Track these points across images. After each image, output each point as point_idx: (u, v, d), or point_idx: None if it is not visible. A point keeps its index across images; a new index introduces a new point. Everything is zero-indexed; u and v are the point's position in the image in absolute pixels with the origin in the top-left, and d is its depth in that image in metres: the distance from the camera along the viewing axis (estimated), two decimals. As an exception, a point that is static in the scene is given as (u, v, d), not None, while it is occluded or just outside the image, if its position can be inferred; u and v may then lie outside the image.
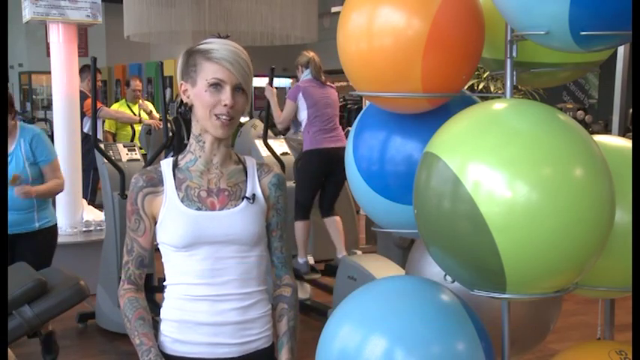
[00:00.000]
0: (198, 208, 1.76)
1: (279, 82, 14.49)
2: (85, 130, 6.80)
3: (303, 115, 5.29)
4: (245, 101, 1.74)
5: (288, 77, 14.06)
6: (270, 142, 5.84)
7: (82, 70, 6.76)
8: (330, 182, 5.40)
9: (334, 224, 5.37)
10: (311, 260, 5.52)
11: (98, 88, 7.01)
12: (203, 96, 1.72)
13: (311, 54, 5.36)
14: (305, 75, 5.36)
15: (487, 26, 1.91)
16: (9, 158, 3.66)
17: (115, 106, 8.14)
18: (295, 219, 5.30)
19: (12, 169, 3.65)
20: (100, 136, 7.16)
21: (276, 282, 1.91)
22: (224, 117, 1.71)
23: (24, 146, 3.71)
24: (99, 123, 7.22)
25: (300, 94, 5.27)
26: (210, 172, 1.80)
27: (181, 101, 1.78)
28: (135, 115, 7.62)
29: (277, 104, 5.51)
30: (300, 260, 5.35)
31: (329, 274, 5.28)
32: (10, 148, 3.69)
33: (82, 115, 6.52)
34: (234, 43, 1.76)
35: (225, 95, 1.70)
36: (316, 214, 5.91)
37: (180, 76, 1.77)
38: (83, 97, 6.56)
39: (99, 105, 7.19)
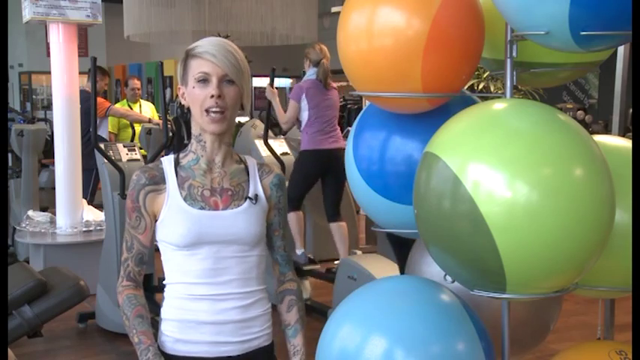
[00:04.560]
0: (202, 208, 1.75)
1: (279, 82, 14.47)
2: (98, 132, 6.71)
3: (304, 116, 5.23)
4: (236, 93, 1.72)
5: (288, 77, 14.05)
6: (270, 142, 5.83)
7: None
8: (329, 184, 5.35)
9: (339, 230, 5.30)
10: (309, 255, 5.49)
11: (99, 90, 6.98)
12: (192, 93, 1.72)
13: (323, 56, 5.18)
14: (310, 74, 5.25)
15: (487, 26, 1.91)
16: None
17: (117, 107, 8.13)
18: None
19: None
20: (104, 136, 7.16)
21: (280, 278, 1.92)
22: (213, 110, 1.70)
23: None
24: (105, 123, 7.23)
25: (304, 95, 5.20)
26: (213, 172, 1.79)
27: (179, 103, 1.79)
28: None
29: (280, 104, 5.45)
30: (298, 252, 5.31)
31: (332, 279, 5.10)
32: None
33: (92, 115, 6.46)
34: (227, 41, 1.76)
35: (212, 87, 1.70)
36: (318, 217, 5.90)
37: (179, 81, 1.79)
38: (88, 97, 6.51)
39: (107, 104, 7.21)
